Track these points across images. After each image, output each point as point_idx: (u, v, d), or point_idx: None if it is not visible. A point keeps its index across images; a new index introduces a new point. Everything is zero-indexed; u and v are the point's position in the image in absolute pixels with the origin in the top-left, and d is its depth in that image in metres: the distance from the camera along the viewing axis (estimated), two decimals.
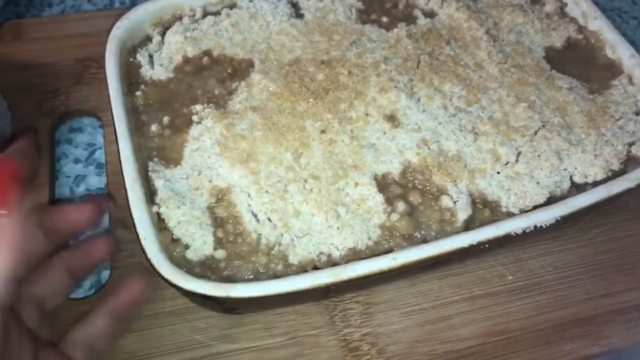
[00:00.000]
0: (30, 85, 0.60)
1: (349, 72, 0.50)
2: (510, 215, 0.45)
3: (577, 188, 0.47)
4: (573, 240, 0.54)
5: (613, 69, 0.54)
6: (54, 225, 0.39)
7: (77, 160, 0.58)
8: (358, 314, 0.49)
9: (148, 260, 0.39)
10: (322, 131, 0.47)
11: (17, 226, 0.35)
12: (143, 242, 0.40)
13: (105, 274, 0.51)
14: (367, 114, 0.48)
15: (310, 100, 0.48)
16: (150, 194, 0.43)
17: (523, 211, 0.45)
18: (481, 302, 0.50)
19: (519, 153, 0.47)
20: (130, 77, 0.50)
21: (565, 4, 0.59)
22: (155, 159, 0.46)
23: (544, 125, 0.49)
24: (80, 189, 0.56)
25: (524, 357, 0.48)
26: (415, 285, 0.51)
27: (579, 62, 0.55)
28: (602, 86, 0.53)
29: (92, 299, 0.49)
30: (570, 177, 0.47)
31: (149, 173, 0.44)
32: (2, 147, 0.40)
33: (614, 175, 0.47)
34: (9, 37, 0.65)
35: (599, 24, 0.56)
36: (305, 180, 0.44)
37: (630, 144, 0.49)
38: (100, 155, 0.58)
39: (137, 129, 0.47)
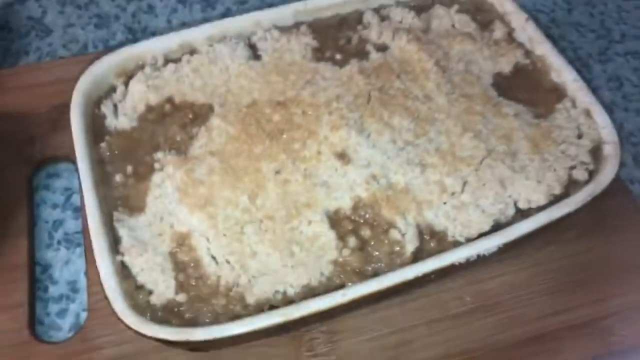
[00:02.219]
0: (7, 134, 0.63)
1: (303, 112, 0.53)
2: (456, 244, 0.47)
3: (521, 214, 0.49)
4: (529, 260, 0.56)
5: (558, 92, 0.57)
6: None
7: (54, 206, 0.61)
8: (323, 342, 0.51)
9: (112, 309, 0.42)
10: (277, 172, 0.49)
11: None
12: (107, 292, 0.42)
13: (83, 316, 0.53)
14: (319, 152, 0.51)
15: (267, 141, 0.51)
16: (115, 243, 0.46)
17: (469, 240, 0.47)
18: (440, 325, 0.53)
19: (465, 183, 0.50)
20: (96, 129, 0.53)
21: (514, 29, 0.61)
22: (120, 208, 0.48)
23: (489, 154, 0.51)
24: (59, 234, 0.59)
25: None
26: (376, 312, 0.53)
27: (526, 87, 0.57)
28: (548, 109, 0.56)
29: (72, 341, 0.51)
30: (515, 204, 0.49)
31: (114, 223, 0.47)
32: None
33: (557, 199, 0.49)
34: None
35: (544, 48, 0.59)
36: (261, 221, 0.47)
37: (572, 168, 0.51)
38: (76, 199, 0.61)
39: (102, 180, 0.50)
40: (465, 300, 0.54)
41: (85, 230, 0.57)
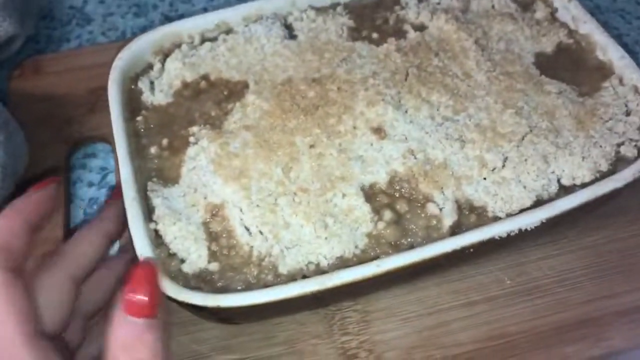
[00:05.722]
0: (47, 115, 0.64)
1: (338, 88, 0.52)
2: (497, 219, 0.45)
3: (565, 190, 0.47)
4: (573, 244, 0.54)
5: (604, 71, 0.55)
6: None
7: (90, 184, 0.61)
8: (356, 322, 0.50)
9: None
10: (311, 146, 0.49)
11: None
12: (140, 258, 0.42)
13: None
14: (355, 128, 0.50)
15: (301, 117, 0.50)
16: (149, 212, 0.46)
17: (509, 215, 0.45)
18: (479, 307, 0.51)
19: (506, 158, 0.48)
20: (133, 104, 0.53)
21: (556, 9, 0.60)
22: (155, 179, 0.48)
23: (531, 130, 0.49)
24: (94, 211, 0.59)
25: None
26: (412, 293, 0.52)
27: (570, 66, 0.55)
28: (593, 88, 0.54)
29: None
30: (558, 180, 0.47)
31: (148, 192, 0.47)
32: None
33: (603, 176, 0.47)
34: (30, 72, 0.69)
35: (589, 27, 0.57)
36: (295, 193, 0.46)
37: (619, 145, 0.49)
38: (112, 178, 0.62)
39: (137, 151, 0.50)
40: (505, 283, 0.52)
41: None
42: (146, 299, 0.35)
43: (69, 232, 0.58)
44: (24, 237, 0.36)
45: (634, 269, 0.53)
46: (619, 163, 0.48)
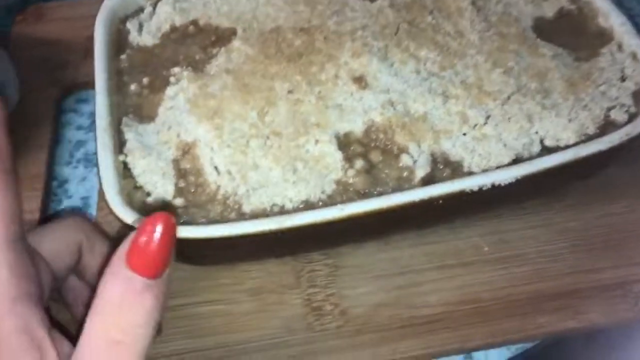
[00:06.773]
0: (43, 59, 0.65)
1: (325, 38, 0.51)
2: (471, 174, 0.44)
3: (548, 152, 0.45)
4: (558, 216, 0.52)
5: (604, 37, 0.52)
6: None
7: (79, 127, 0.62)
8: (324, 275, 0.49)
9: (106, 202, 0.41)
10: (290, 91, 0.48)
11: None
12: (103, 185, 0.42)
13: None
14: (336, 77, 0.49)
15: (283, 63, 0.49)
16: (120, 146, 0.46)
17: (485, 171, 0.44)
18: (453, 271, 0.49)
19: (489, 116, 0.46)
20: (119, 43, 0.53)
21: None
22: (131, 115, 0.48)
23: (518, 90, 0.48)
24: (79, 153, 0.60)
25: (493, 327, 0.47)
26: (386, 252, 0.50)
27: (569, 32, 0.53)
28: (590, 54, 0.51)
29: None
30: (541, 141, 0.45)
31: (122, 127, 0.46)
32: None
33: (589, 139, 0.45)
34: (32, 18, 0.70)
35: None
36: (267, 137, 0.45)
37: (610, 109, 0.46)
38: None
39: (118, 88, 0.50)
40: (483, 250, 0.50)
41: None
42: (158, 253, 0.28)
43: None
44: (4, 137, 0.31)
45: (620, 246, 0.50)
46: (607, 127, 0.46)
